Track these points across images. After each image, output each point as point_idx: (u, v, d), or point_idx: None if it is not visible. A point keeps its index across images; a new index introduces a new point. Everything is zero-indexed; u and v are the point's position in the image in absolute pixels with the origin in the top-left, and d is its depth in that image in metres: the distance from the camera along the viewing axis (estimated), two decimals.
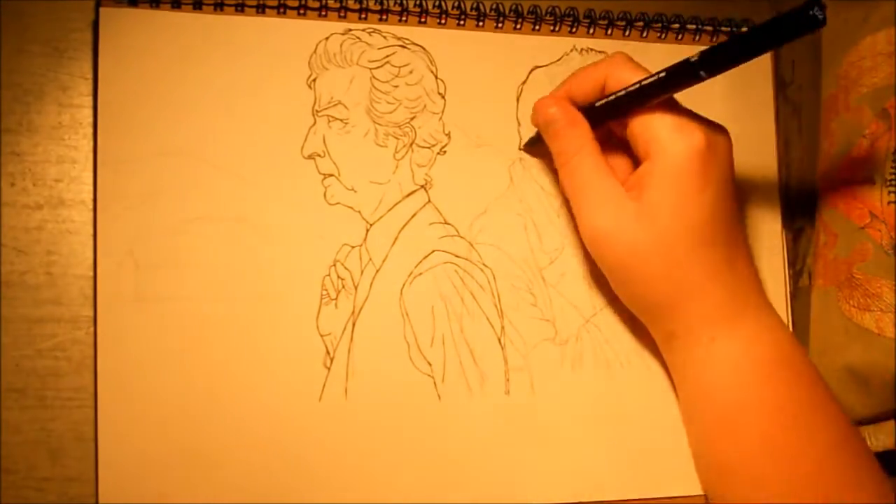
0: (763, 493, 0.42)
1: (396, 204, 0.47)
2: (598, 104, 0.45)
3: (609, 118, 0.45)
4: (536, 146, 0.48)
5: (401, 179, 0.48)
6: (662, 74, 0.42)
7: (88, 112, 0.45)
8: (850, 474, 0.43)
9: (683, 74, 0.41)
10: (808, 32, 0.37)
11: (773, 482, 0.42)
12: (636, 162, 0.45)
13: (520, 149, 0.49)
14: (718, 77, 0.48)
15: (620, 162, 0.46)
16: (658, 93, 0.42)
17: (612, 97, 0.44)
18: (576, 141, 0.45)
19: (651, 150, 0.43)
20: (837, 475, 0.42)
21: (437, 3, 0.49)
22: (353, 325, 0.46)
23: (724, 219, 0.44)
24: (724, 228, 0.44)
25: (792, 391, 0.44)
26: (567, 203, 0.47)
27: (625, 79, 0.43)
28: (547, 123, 0.46)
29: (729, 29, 0.52)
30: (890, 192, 0.46)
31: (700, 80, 0.41)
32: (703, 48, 0.41)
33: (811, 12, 0.36)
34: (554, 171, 0.47)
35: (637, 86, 0.43)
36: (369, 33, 0.48)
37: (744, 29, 0.42)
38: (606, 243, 0.44)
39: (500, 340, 0.47)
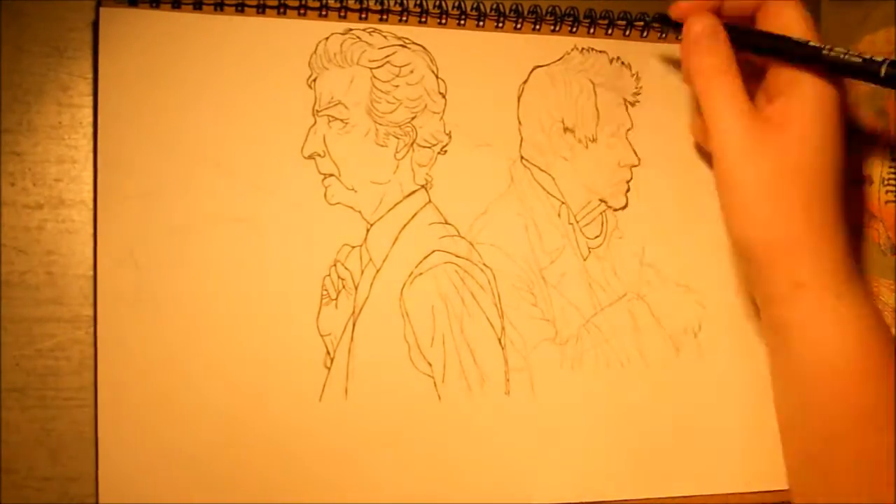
0: (866, 465, 0.40)
1: (397, 204, 0.47)
2: (761, 46, 0.43)
3: (753, 49, 0.44)
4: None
5: (401, 179, 0.48)
6: (842, 57, 0.41)
7: (88, 112, 0.45)
8: None
9: (865, 71, 0.40)
10: None
11: (879, 453, 0.40)
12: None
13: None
14: None
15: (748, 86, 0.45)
16: (823, 65, 0.42)
17: (776, 43, 0.43)
18: (723, 62, 0.44)
19: (795, 89, 0.42)
20: None
21: (437, 3, 0.49)
22: (354, 325, 0.46)
23: (841, 179, 0.43)
24: (841, 187, 0.43)
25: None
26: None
27: (785, 20, 0.43)
28: (696, 38, 0.44)
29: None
30: (888, 192, 0.46)
31: (872, 80, 0.40)
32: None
33: None
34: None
35: (812, 49, 0.42)
36: (370, 33, 0.48)
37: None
38: (742, 167, 0.43)
39: (500, 340, 0.47)
